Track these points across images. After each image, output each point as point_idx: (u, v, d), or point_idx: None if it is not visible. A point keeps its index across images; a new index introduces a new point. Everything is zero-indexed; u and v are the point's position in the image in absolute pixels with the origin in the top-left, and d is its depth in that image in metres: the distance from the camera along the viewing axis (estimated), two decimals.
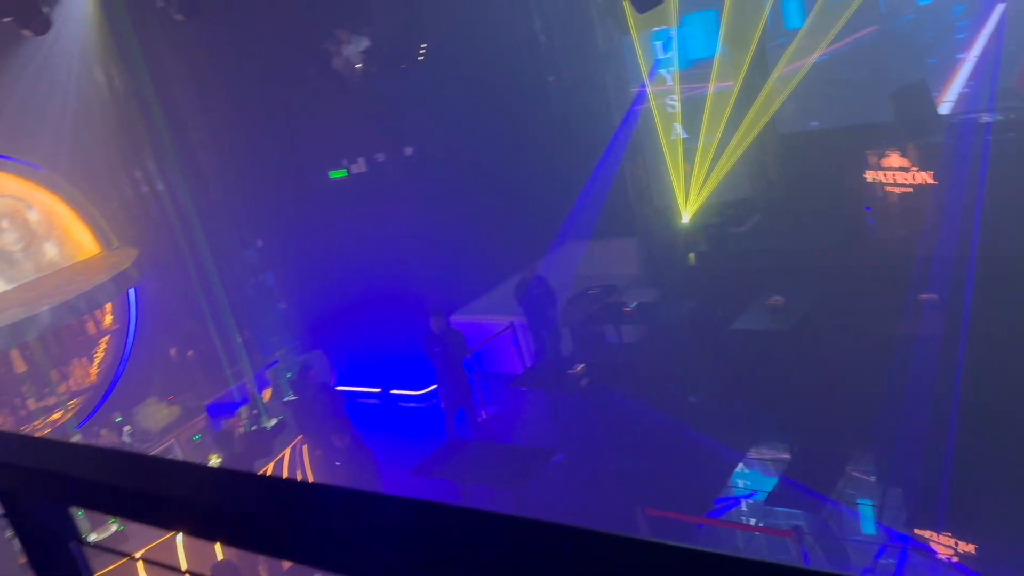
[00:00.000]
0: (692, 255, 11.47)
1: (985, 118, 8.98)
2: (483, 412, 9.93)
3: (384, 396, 11.27)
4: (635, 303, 10.32)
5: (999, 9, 9.66)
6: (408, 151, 10.85)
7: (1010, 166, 8.25)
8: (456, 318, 10.51)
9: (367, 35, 10.38)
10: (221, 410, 9.85)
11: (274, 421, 9.45)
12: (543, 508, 7.58)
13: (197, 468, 1.11)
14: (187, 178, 10.87)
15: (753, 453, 8.25)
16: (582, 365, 8.63)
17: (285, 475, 9.40)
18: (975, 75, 10.21)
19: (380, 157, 10.79)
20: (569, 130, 12.34)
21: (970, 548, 6.35)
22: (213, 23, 10.54)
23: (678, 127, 11.93)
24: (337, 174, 11.03)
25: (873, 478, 7.52)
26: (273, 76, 10.84)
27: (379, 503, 0.93)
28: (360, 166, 10.86)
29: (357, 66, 10.39)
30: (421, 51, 10.78)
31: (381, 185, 10.81)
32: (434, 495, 8.12)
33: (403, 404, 11.03)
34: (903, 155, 8.98)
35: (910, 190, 8.97)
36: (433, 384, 10.05)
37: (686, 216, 11.76)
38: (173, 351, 10.86)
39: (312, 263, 11.46)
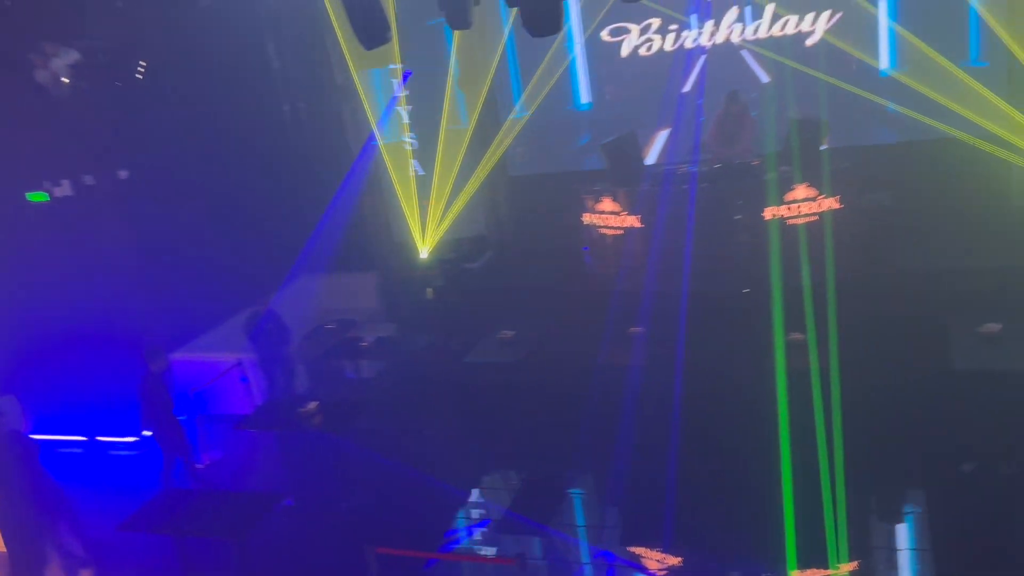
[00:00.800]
0: (429, 290, 11.67)
1: (684, 169, 10.05)
2: (205, 457, 9.29)
3: (90, 444, 10.17)
4: (373, 338, 10.25)
5: (700, 65, 10.91)
6: (123, 174, 10.00)
7: (706, 212, 9.29)
8: (178, 356, 9.78)
9: (78, 48, 9.49)
10: None
11: None
12: (267, 555, 7.20)
13: None
14: None
15: (485, 483, 8.44)
16: (315, 403, 8.36)
17: None
18: (676, 129, 11.43)
19: (89, 179, 9.83)
20: (306, 161, 12.07)
21: (677, 561, 6.89)
22: None
23: (415, 163, 12.17)
24: (36, 197, 9.87)
25: (594, 501, 7.97)
26: None
27: None
28: (65, 188, 9.81)
29: (65, 80, 9.44)
30: (140, 68, 10.04)
31: (90, 210, 9.83)
32: (146, 550, 7.47)
33: (113, 452, 10.02)
34: (614, 200, 9.80)
35: (620, 232, 9.79)
36: (148, 429, 9.24)
37: (423, 251, 11.96)
38: None
39: (3, 297, 10.11)
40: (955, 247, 9.15)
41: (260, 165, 11.31)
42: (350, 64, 11.24)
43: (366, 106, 11.53)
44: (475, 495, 8.16)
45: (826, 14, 10.16)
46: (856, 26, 10.02)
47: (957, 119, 9.32)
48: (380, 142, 11.75)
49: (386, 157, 11.77)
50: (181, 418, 8.50)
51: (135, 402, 8.30)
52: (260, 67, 11.90)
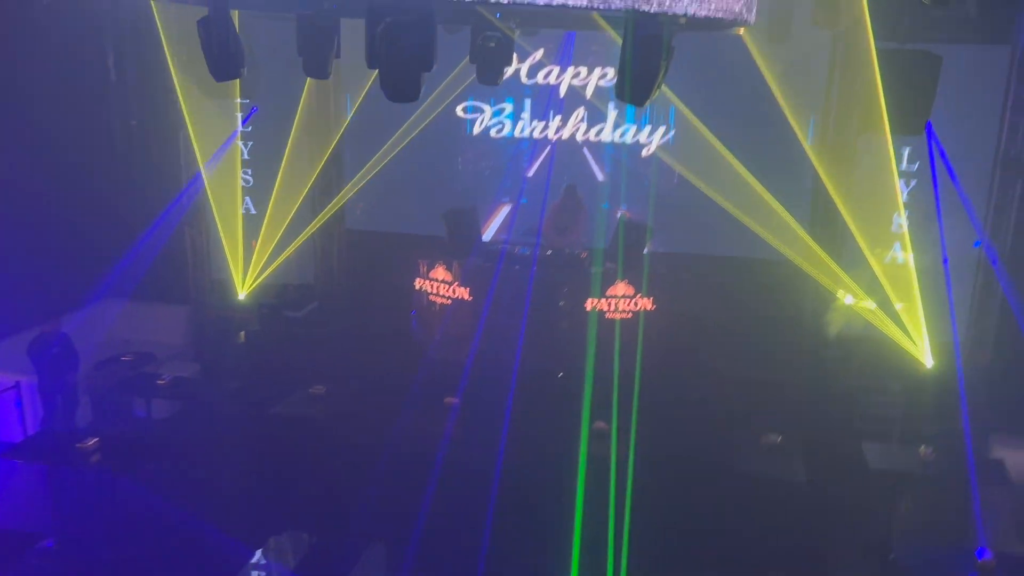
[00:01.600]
0: (243, 333, 11.23)
1: (518, 250, 10.39)
2: None
3: None
4: (171, 376, 9.65)
5: (545, 154, 11.43)
6: None
7: (533, 295, 9.60)
8: None
9: None
10: None
11: None
12: None
13: None
14: None
15: (271, 544, 8.06)
16: (95, 439, 7.70)
17: None
18: (516, 211, 11.82)
19: None
20: (127, 180, 11.42)
21: None
22: None
23: (248, 201, 11.83)
24: None
25: (383, 572, 7.81)
26: None
27: None
28: None
29: None
30: None
31: None
32: None
33: None
34: (448, 269, 9.95)
35: (448, 302, 9.93)
36: None
37: (242, 293, 11.52)
38: None
39: None
40: (750, 360, 9.94)
41: (77, 176, 10.56)
42: (178, 91, 10.93)
43: (192, 136, 11.15)
44: (258, 555, 7.76)
45: (661, 129, 11.00)
46: (688, 144, 10.89)
47: (763, 242, 10.27)
48: (211, 175, 11.35)
49: (216, 191, 11.37)
50: None
51: None
52: (100, 73, 11.26)
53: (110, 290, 10.42)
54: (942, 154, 9.25)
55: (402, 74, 4.63)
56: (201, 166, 11.16)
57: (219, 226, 11.36)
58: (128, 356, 10.09)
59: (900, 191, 10.18)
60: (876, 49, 9.39)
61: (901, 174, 10.21)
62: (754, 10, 5.30)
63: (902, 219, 10.17)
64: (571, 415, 8.30)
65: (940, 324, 9.65)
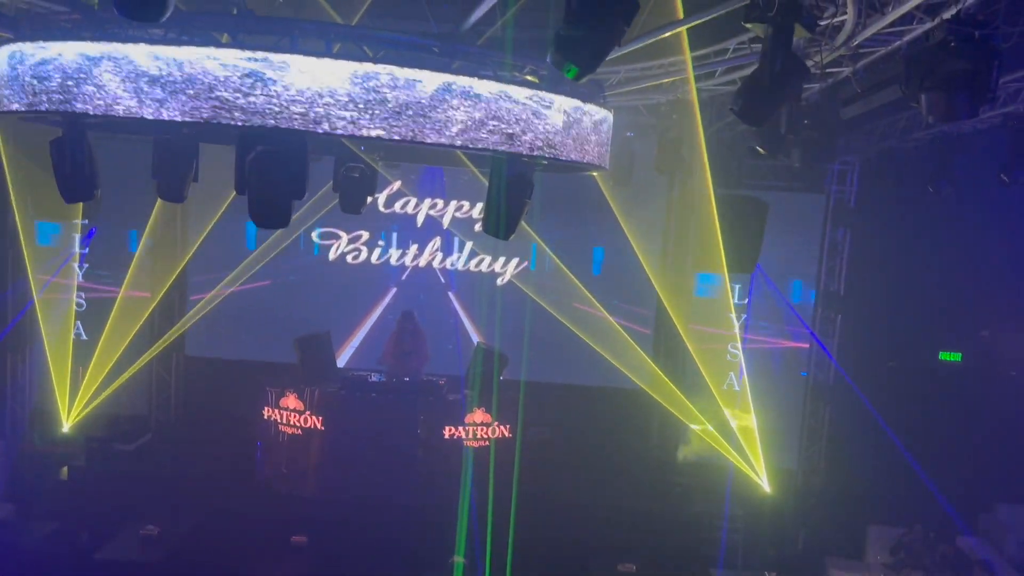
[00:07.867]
0: (65, 469, 10.27)
1: (373, 377, 10.20)
2: None
3: None
4: None
5: (401, 279, 11.49)
6: None
7: (394, 421, 9.39)
8: None
9: None
10: None
11: None
12: None
13: None
14: None
15: None
16: None
17: None
18: (371, 337, 11.66)
19: None
20: None
21: None
22: None
23: (80, 326, 11.10)
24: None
25: None
26: None
27: None
28: None
29: None
30: None
31: None
32: None
33: None
34: (300, 398, 9.58)
35: (299, 432, 9.51)
36: None
37: (66, 425, 10.62)
38: None
39: None
40: (604, 487, 10.07)
41: None
42: (15, 209, 10.26)
43: (25, 255, 10.42)
44: None
45: (515, 260, 11.38)
46: (539, 274, 11.29)
47: (615, 370, 10.61)
48: (44, 296, 10.57)
49: (45, 313, 10.59)
50: None
51: None
52: None
53: None
54: (774, 290, 10.06)
55: (273, 202, 4.60)
56: (33, 290, 10.39)
57: (48, 353, 10.49)
58: None
59: (733, 323, 10.91)
60: (713, 194, 10.25)
61: (733, 308, 10.95)
62: (607, 157, 5.72)
63: (736, 350, 10.86)
64: (427, 549, 8.04)
65: (776, 451, 10.23)
